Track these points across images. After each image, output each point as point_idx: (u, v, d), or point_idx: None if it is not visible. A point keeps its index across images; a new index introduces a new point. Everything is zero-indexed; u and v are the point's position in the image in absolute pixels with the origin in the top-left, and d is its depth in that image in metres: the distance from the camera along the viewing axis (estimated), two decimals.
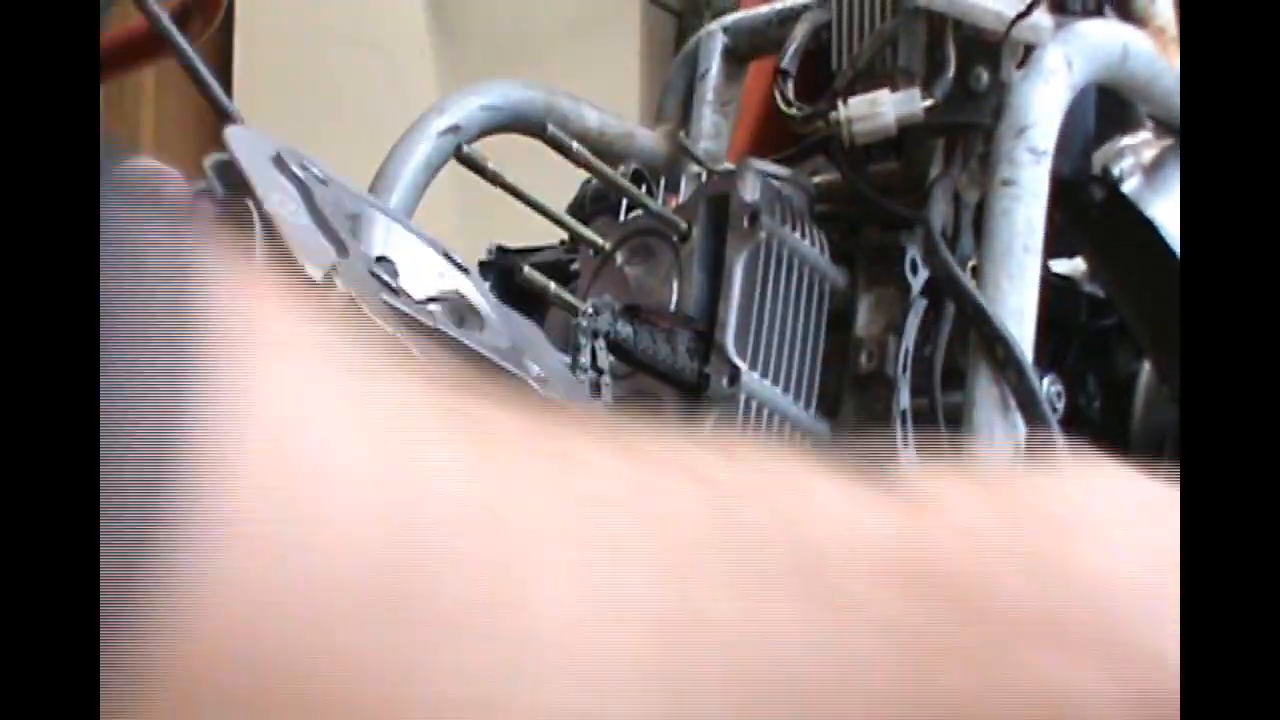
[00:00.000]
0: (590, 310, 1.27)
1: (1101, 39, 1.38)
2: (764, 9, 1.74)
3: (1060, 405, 1.50)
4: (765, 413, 1.35)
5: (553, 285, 1.31)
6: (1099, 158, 1.52)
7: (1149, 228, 1.48)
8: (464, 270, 1.11)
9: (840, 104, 1.42)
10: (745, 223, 1.37)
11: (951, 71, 1.42)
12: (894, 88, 1.42)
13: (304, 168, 0.97)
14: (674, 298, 1.37)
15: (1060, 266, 1.64)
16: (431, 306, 1.04)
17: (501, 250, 1.65)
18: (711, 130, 1.72)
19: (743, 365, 1.34)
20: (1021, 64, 1.38)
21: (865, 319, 1.47)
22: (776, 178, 1.43)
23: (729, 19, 1.77)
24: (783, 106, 1.46)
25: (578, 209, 1.66)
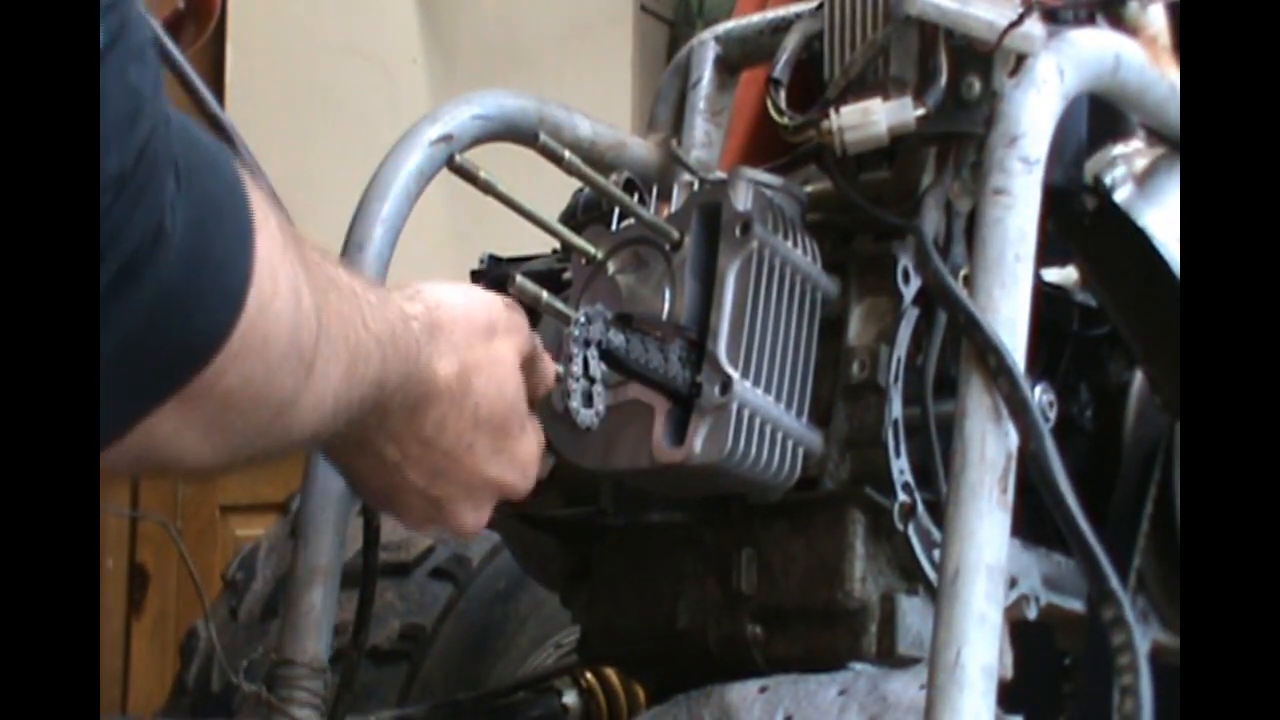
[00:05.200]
0: (583, 319, 1.27)
1: (1093, 48, 1.38)
2: (756, 18, 1.74)
3: (1052, 414, 1.51)
4: (757, 421, 1.35)
5: (545, 294, 1.31)
6: (1091, 167, 1.52)
7: (1141, 237, 1.48)
8: None
9: (832, 113, 1.42)
10: (737, 232, 1.37)
11: (943, 81, 1.42)
12: (886, 97, 1.42)
13: None
14: (666, 306, 1.37)
15: (1052, 275, 1.65)
16: None
17: (494, 259, 1.66)
18: (703, 139, 1.72)
19: (735, 374, 1.34)
20: (1013, 73, 1.38)
21: (857, 328, 1.47)
22: (769, 186, 1.43)
23: (721, 28, 1.77)
24: (775, 115, 1.46)
25: (570, 218, 1.66)
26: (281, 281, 0.97)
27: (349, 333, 1.08)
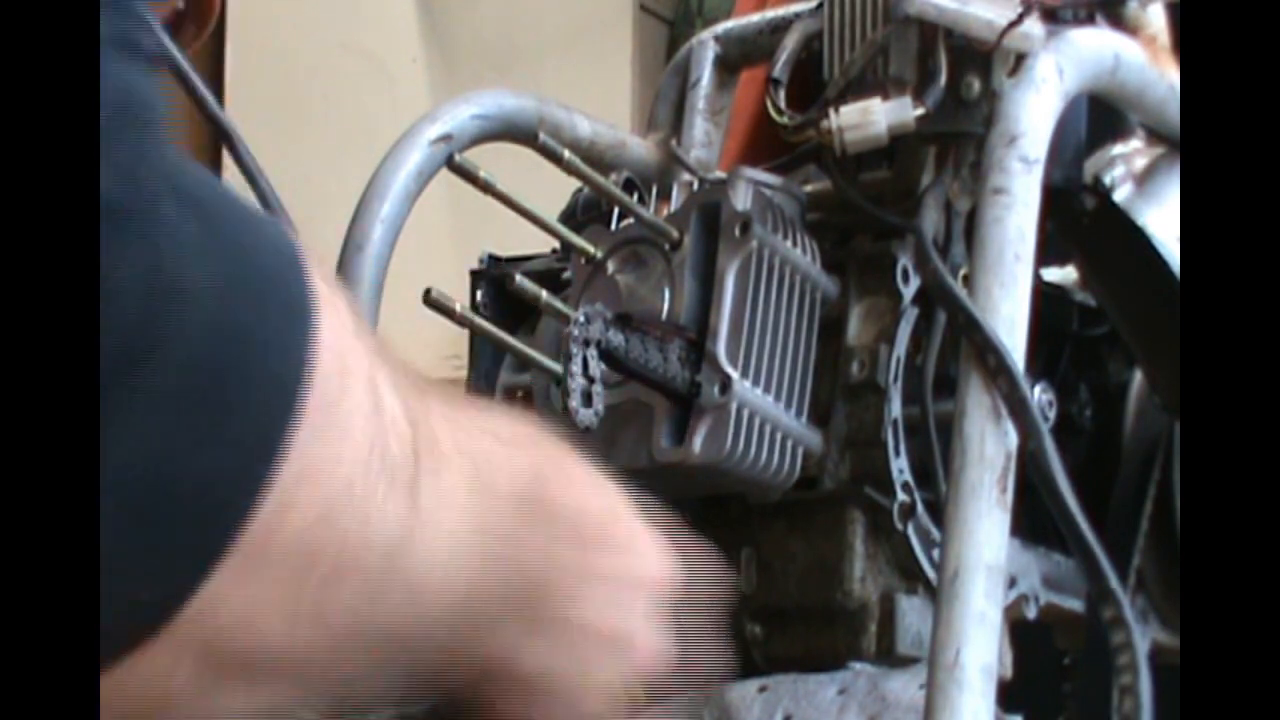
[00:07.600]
0: (582, 318, 1.27)
1: (1093, 48, 1.38)
2: (755, 17, 1.74)
3: (1051, 414, 1.51)
4: (757, 421, 1.35)
5: (544, 293, 1.31)
6: (1090, 166, 1.52)
7: (1140, 236, 1.48)
8: None
9: (832, 112, 1.42)
10: (737, 231, 1.37)
11: (943, 80, 1.42)
12: (885, 96, 1.42)
13: None
14: (666, 306, 1.37)
15: (1052, 275, 1.65)
16: None
17: (493, 259, 1.65)
18: (703, 139, 1.72)
19: (734, 374, 1.34)
20: (1013, 72, 1.38)
21: (857, 328, 1.47)
22: (768, 186, 1.43)
23: (720, 27, 1.77)
24: (774, 115, 1.46)
25: (569, 217, 1.66)
26: (354, 373, 0.71)
27: (468, 451, 0.80)
